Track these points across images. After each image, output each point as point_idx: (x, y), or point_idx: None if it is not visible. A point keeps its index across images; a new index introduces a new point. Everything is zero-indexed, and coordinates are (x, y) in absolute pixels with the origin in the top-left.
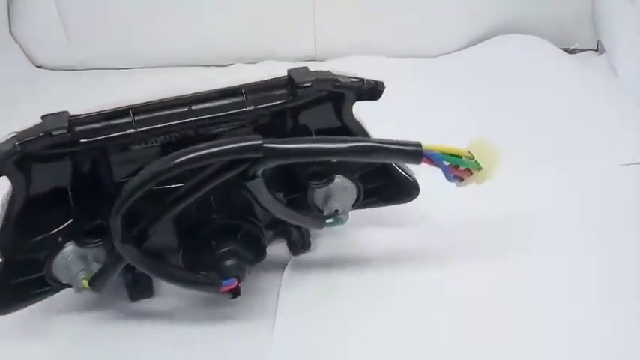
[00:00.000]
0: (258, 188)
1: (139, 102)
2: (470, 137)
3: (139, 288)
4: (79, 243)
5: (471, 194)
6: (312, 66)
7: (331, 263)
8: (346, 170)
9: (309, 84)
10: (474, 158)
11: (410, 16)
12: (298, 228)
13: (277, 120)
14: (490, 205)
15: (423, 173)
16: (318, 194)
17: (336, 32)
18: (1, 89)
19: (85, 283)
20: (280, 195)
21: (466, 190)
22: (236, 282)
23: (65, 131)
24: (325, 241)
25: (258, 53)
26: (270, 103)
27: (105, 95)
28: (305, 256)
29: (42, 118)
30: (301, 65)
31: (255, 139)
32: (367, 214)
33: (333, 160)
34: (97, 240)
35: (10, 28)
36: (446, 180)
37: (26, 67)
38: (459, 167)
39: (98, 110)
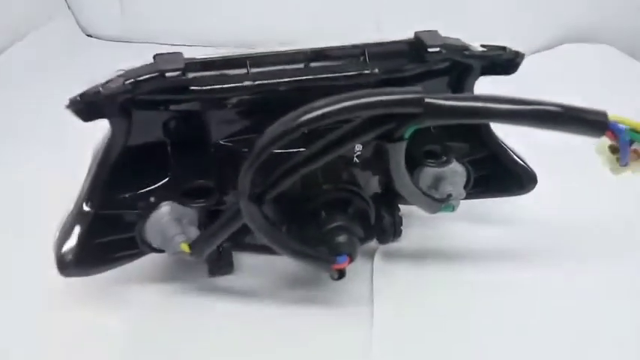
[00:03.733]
0: (398, 153)
1: (255, 52)
2: None
3: (220, 264)
4: (180, 202)
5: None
6: None
7: (420, 255)
8: (457, 153)
9: (437, 49)
10: None
11: (467, 21)
12: (392, 214)
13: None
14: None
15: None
16: (425, 176)
17: None
18: (48, 55)
19: (185, 247)
20: (376, 176)
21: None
22: (348, 260)
23: (180, 73)
24: (412, 233)
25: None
26: (396, 68)
27: None
28: (392, 246)
29: (154, 57)
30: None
31: (415, 92)
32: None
33: (499, 123)
34: (200, 200)
35: None
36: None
37: (76, 35)
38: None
39: (212, 56)
